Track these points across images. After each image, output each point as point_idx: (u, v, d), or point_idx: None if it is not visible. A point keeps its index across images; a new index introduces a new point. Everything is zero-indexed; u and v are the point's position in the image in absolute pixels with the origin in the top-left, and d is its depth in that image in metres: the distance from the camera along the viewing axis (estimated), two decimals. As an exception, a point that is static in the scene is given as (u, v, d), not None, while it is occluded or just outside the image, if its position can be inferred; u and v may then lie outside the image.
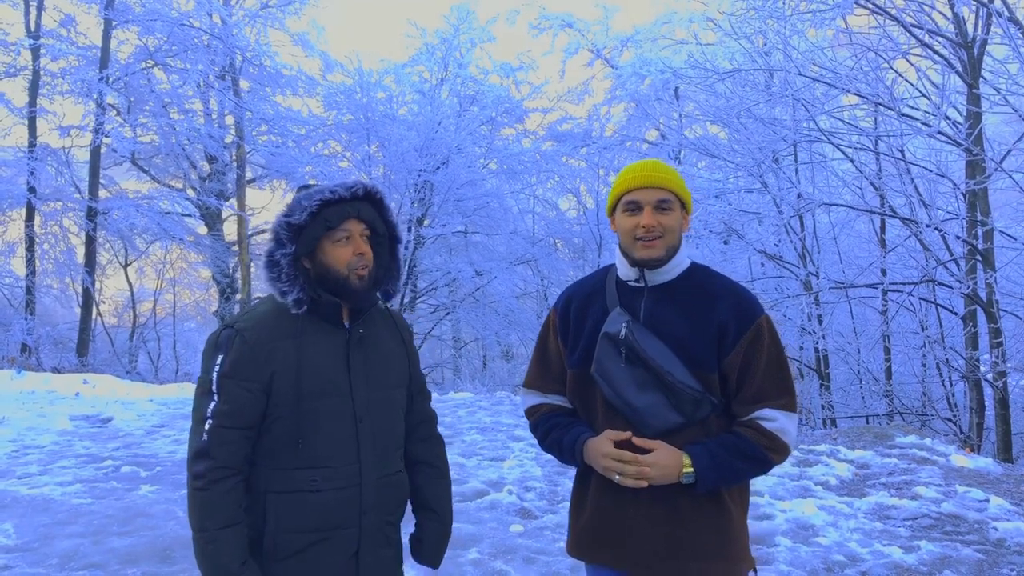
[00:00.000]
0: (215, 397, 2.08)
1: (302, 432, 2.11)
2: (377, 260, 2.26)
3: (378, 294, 2.30)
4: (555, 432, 2.29)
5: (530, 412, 2.42)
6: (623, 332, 2.15)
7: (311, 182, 2.33)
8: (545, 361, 2.38)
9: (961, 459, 7.74)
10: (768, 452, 2.10)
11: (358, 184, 2.20)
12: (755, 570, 2.25)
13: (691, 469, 2.06)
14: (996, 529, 5.48)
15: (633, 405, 2.12)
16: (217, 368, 2.09)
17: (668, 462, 2.06)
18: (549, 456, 7.25)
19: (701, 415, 2.11)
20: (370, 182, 2.25)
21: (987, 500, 6.12)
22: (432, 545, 2.40)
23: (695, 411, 2.10)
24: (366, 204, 2.21)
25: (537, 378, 2.40)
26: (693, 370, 2.11)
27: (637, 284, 2.22)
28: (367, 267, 2.18)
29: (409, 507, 2.42)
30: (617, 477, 2.08)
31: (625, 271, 2.25)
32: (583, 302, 2.32)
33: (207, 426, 2.06)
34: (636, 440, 2.10)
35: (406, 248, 20.53)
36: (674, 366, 2.10)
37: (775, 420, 2.11)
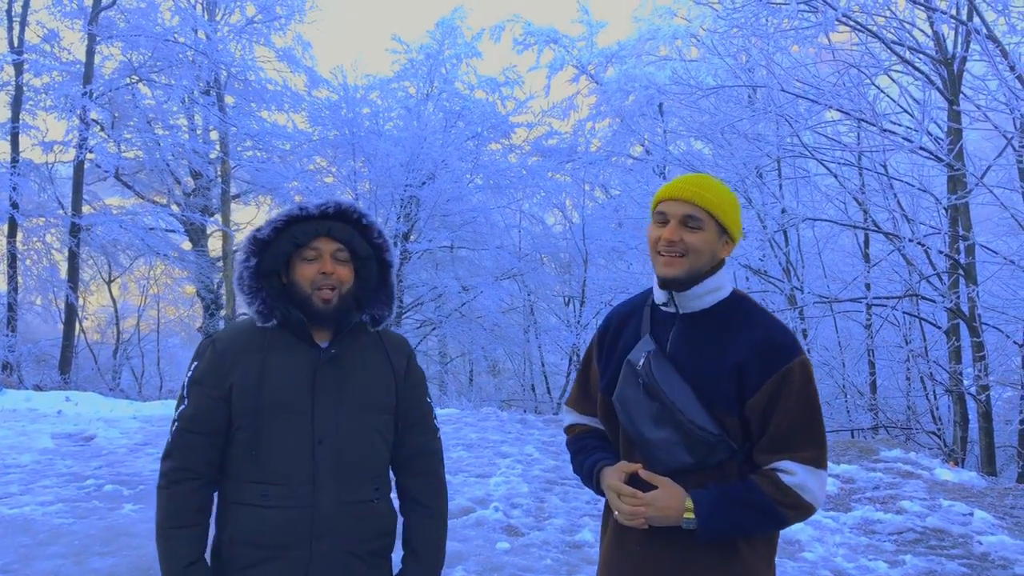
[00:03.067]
0: (185, 401, 2.16)
1: (258, 446, 2.11)
2: (363, 283, 2.22)
3: (366, 318, 2.26)
4: (580, 455, 2.22)
5: (567, 430, 2.36)
6: (642, 363, 2.02)
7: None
8: (585, 381, 2.30)
9: (945, 473, 7.78)
10: (781, 508, 1.91)
11: (329, 202, 2.19)
12: None
13: (692, 515, 1.91)
14: (980, 543, 5.50)
15: (646, 438, 2.00)
16: (190, 374, 2.19)
17: (668, 503, 1.92)
18: (536, 473, 7.26)
19: (716, 459, 1.96)
20: (349, 201, 2.23)
21: (971, 514, 6.15)
22: None
23: (708, 454, 1.95)
24: (340, 223, 2.18)
25: (576, 398, 2.33)
26: (711, 411, 1.95)
27: (669, 309, 2.09)
28: (335, 288, 2.15)
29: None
30: (616, 513, 1.98)
31: (658, 294, 2.11)
32: (619, 324, 2.21)
33: (174, 428, 2.16)
34: (642, 474, 1.98)
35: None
36: (689, 405, 1.95)
37: (795, 474, 1.92)
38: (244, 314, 2.31)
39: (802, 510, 1.94)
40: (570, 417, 2.34)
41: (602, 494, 2.12)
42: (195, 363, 2.19)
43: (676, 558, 1.99)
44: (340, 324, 2.19)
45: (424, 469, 2.33)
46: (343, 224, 2.19)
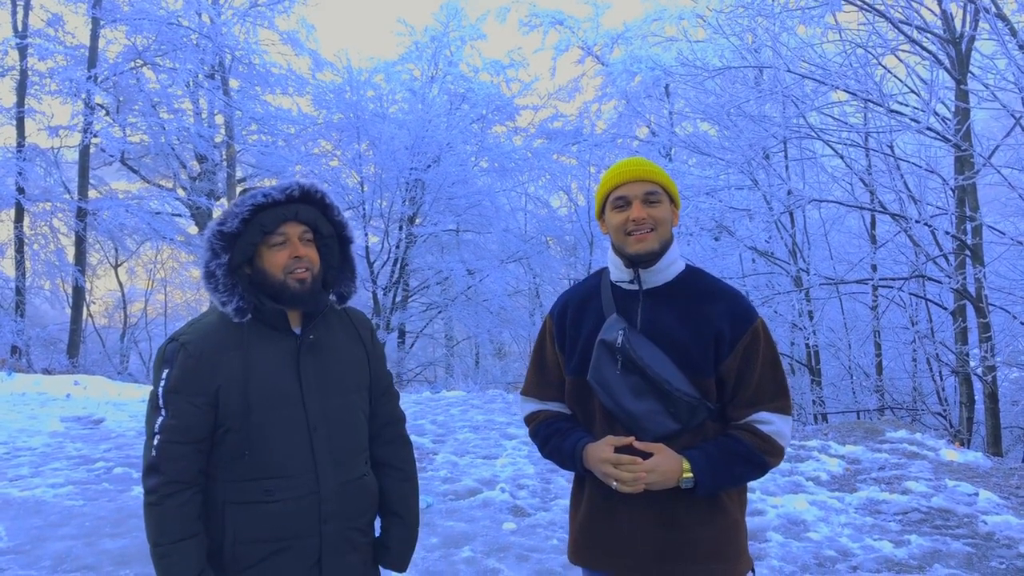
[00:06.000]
0: (163, 412, 2.05)
1: (253, 444, 2.06)
2: (327, 261, 2.22)
3: (332, 297, 2.26)
4: (555, 438, 2.25)
5: (529, 419, 2.38)
6: (619, 340, 2.12)
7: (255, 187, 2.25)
8: (542, 368, 2.35)
9: (951, 453, 7.78)
10: (765, 455, 2.10)
11: (293, 185, 2.15)
12: (753, 570, 2.24)
13: (690, 474, 2.04)
14: (985, 523, 5.51)
15: (630, 412, 2.10)
16: (163, 383, 2.06)
17: (668, 467, 2.03)
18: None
19: (697, 421, 2.10)
20: (309, 181, 2.19)
21: (976, 494, 6.16)
22: (398, 549, 2.35)
23: (691, 417, 2.09)
24: (305, 205, 2.16)
25: (535, 385, 2.37)
26: (690, 376, 2.09)
27: (632, 287, 2.20)
28: (308, 270, 2.12)
29: None
30: (615, 484, 2.05)
31: (619, 273, 2.22)
32: (578, 308, 2.28)
33: (156, 441, 2.03)
34: (637, 444, 2.07)
35: (397, 247, 20.53)
36: (671, 374, 2.08)
37: (771, 423, 2.11)
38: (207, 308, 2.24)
39: (779, 455, 2.13)
40: (531, 405, 2.38)
41: (584, 472, 2.18)
42: (166, 370, 2.07)
43: (668, 518, 2.11)
44: (313, 308, 2.18)
45: (395, 435, 2.40)
46: (308, 206, 2.17)
